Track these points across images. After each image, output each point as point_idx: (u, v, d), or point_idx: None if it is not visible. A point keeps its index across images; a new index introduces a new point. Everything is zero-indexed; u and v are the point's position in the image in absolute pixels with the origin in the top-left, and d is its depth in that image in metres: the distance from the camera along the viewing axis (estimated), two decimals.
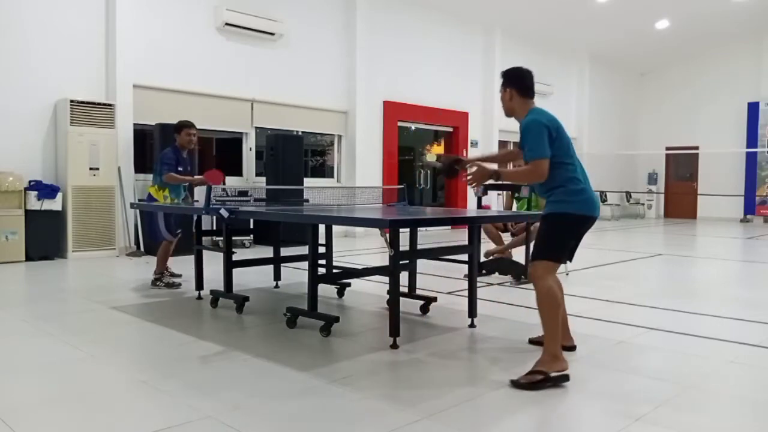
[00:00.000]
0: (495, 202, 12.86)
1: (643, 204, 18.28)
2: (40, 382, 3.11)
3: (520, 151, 3.41)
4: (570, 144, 3.28)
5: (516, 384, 2.99)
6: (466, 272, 4.41)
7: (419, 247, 4.52)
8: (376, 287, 5.62)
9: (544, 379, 2.97)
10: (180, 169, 5.82)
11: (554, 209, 3.24)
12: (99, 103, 8.03)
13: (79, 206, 7.84)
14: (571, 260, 3.52)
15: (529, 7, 13.10)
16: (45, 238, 7.61)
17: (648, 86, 18.84)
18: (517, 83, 3.39)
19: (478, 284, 4.76)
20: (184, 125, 5.92)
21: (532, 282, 3.25)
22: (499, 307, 4.98)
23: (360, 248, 9.31)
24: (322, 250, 5.21)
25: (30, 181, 7.62)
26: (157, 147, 8.36)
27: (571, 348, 3.56)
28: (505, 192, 7.27)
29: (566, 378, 3.03)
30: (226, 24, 9.37)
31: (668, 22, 14.85)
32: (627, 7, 13.61)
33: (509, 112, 3.46)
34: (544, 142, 3.14)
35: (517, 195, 6.67)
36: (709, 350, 3.78)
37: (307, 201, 6.68)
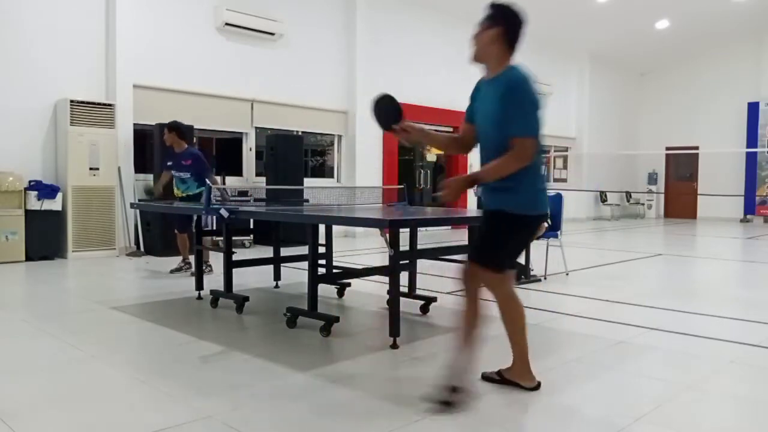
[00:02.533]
0: None
1: (643, 204, 18.29)
2: (40, 382, 3.11)
3: (468, 126, 2.89)
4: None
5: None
6: None
7: (419, 247, 4.52)
8: (376, 287, 5.62)
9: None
10: (169, 163, 6.73)
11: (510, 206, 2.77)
12: (99, 103, 8.03)
13: (79, 206, 7.84)
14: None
15: (529, 7, 12.98)
16: (45, 238, 7.60)
17: (648, 86, 18.84)
18: (511, 26, 2.76)
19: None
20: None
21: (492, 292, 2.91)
22: None
23: (360, 248, 9.31)
24: (322, 250, 5.20)
25: (30, 181, 7.62)
26: (157, 147, 8.38)
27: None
28: None
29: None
30: (226, 24, 9.37)
31: (668, 22, 14.85)
32: (627, 7, 13.61)
33: (480, 57, 2.81)
34: (535, 116, 2.65)
35: None
36: (709, 350, 3.78)
37: (307, 201, 6.68)
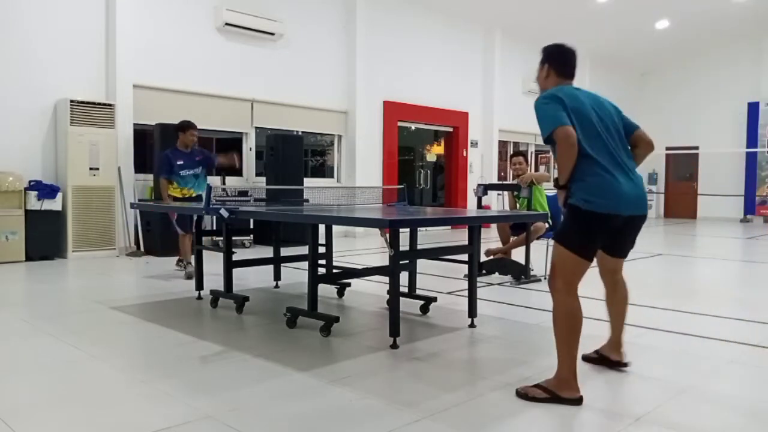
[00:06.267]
0: (495, 202, 12.86)
1: None
2: (40, 382, 3.11)
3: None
4: (596, 133, 2.99)
5: (518, 393, 2.88)
6: (466, 272, 4.40)
7: (419, 247, 4.52)
8: (376, 287, 5.62)
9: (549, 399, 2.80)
10: (180, 162, 6.54)
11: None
12: (99, 103, 8.03)
13: (79, 206, 7.84)
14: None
15: (529, 7, 13.10)
16: (45, 238, 7.60)
17: (648, 86, 18.83)
18: (556, 60, 3.18)
19: (478, 284, 4.77)
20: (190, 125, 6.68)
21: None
22: (499, 307, 4.98)
23: (360, 248, 9.31)
24: (322, 250, 5.20)
25: (30, 181, 7.62)
26: (157, 147, 8.38)
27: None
28: (505, 192, 7.27)
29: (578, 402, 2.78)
30: (226, 24, 9.37)
31: (668, 22, 14.86)
32: (627, 7, 13.61)
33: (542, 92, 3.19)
34: (558, 111, 2.89)
35: (516, 194, 6.67)
36: (709, 350, 3.78)
37: (307, 201, 6.68)
